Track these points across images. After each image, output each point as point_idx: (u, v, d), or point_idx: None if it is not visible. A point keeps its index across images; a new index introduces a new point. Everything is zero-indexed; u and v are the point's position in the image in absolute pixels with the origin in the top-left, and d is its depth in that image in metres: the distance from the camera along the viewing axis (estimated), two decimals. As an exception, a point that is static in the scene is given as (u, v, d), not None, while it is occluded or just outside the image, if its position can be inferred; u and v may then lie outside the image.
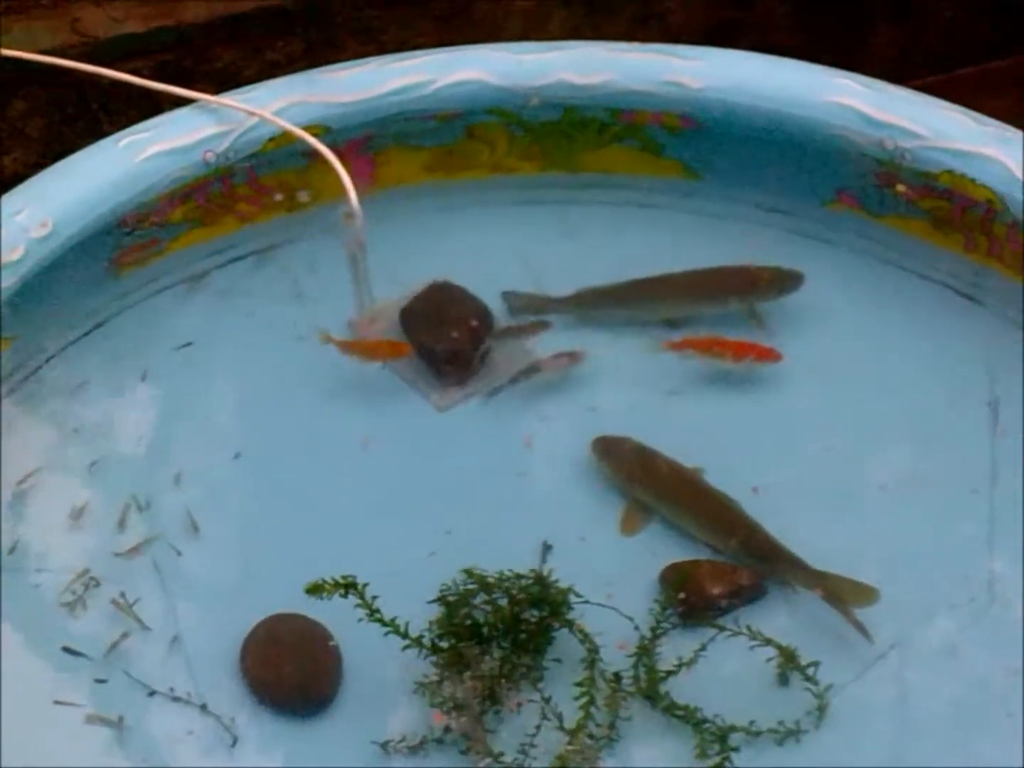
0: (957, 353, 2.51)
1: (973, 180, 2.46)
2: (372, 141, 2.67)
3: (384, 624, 2.02)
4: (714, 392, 2.46)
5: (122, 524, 2.27)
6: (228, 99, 2.56)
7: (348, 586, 2.00)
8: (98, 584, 2.19)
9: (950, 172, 2.47)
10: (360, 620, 2.01)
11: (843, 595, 2.13)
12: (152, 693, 2.08)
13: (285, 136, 2.54)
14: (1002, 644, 2.13)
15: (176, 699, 2.07)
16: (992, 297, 2.56)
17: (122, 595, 2.17)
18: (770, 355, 2.42)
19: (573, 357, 2.49)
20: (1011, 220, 2.46)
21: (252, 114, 2.53)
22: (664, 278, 2.57)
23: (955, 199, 2.51)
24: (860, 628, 2.12)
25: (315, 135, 2.53)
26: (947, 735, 2.04)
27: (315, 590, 2.01)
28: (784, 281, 2.54)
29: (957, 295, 2.59)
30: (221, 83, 2.90)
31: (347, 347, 2.47)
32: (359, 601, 2.00)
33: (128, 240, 2.53)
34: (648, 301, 2.58)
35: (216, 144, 2.52)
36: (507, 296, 2.60)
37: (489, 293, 2.56)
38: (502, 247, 2.68)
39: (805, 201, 2.68)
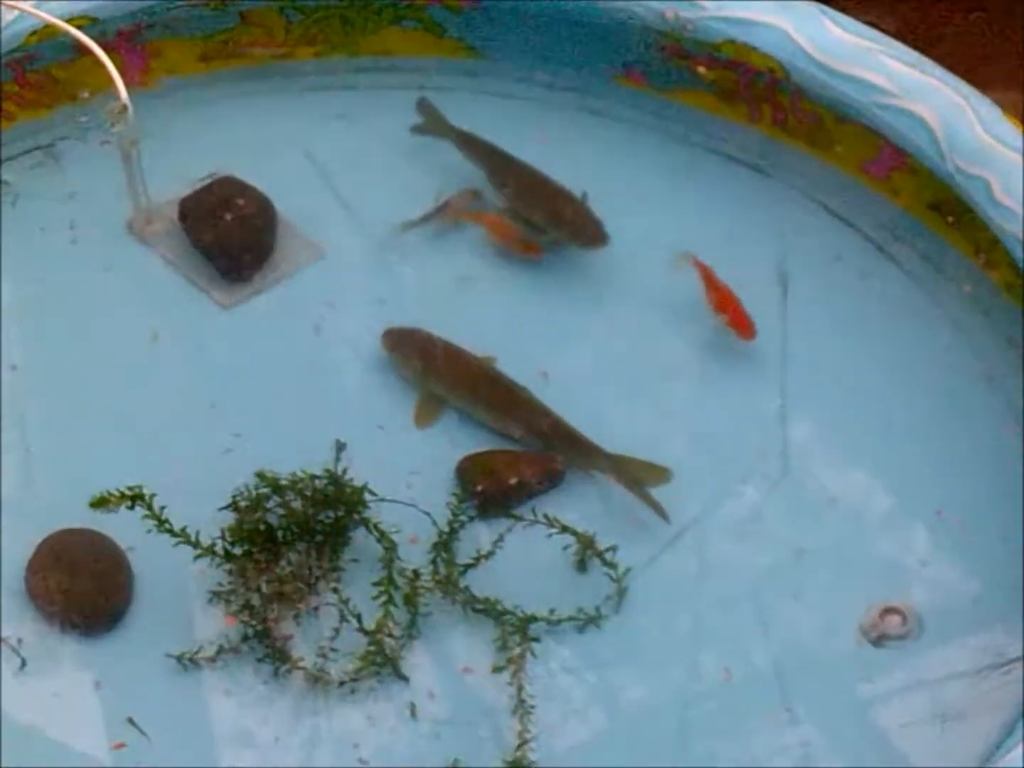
0: (748, 228, 2.50)
1: (755, 49, 2.43)
2: (143, 31, 2.57)
3: (174, 534, 1.97)
4: (503, 278, 2.42)
5: None
6: (-16, -9, 2.44)
7: (135, 497, 1.95)
8: None
9: (732, 42, 2.44)
10: (149, 531, 1.96)
11: (637, 477, 2.13)
12: (-65, 620, 2.01)
13: (48, 29, 2.42)
14: (795, 520, 2.15)
15: (-40, 624, 2.01)
16: (780, 169, 2.56)
17: None
18: (743, 329, 2.29)
19: (475, 194, 2.49)
20: (794, 88, 2.44)
21: (11, 7, 2.41)
22: (537, 182, 2.47)
23: (739, 69, 2.50)
24: (656, 508, 2.11)
25: (80, 27, 2.41)
26: (744, 614, 2.05)
27: (100, 503, 1.95)
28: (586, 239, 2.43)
29: (747, 168, 2.58)
30: (-22, -26, 2.76)
31: (487, 225, 2.45)
32: (147, 512, 1.95)
33: None
34: (510, 191, 2.48)
35: (-27, 40, 2.40)
36: (421, 104, 2.58)
37: (271, 185, 2.47)
38: (283, 137, 2.60)
39: (591, 78, 2.65)
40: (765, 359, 2.30)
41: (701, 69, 2.52)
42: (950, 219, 2.36)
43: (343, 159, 2.57)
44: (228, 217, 2.40)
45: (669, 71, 2.57)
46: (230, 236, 2.39)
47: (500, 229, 2.44)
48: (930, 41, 2.50)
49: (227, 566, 2.00)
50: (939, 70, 2.33)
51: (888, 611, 2.02)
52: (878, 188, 2.46)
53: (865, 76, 2.34)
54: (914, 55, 2.36)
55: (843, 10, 2.46)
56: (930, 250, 2.42)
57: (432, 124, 2.57)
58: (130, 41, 2.56)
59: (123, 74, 2.35)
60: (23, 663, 1.96)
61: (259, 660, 1.96)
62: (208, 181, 2.47)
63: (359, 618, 1.96)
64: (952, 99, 2.29)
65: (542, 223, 2.42)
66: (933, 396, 2.27)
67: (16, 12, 2.41)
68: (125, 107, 2.32)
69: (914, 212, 2.42)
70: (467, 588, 2.01)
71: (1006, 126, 2.26)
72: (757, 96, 2.52)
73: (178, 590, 2.03)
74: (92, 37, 2.38)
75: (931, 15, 3.00)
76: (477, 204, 2.50)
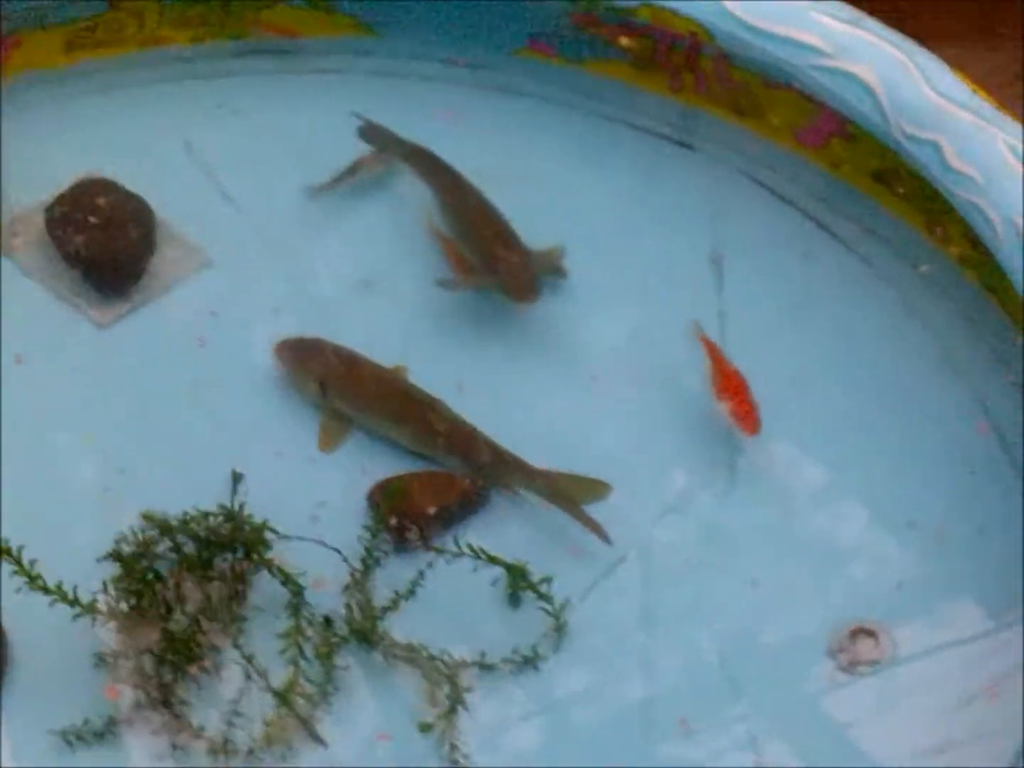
0: (675, 208, 2.30)
1: (674, 12, 2.22)
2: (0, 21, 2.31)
3: (48, 591, 1.73)
4: (409, 279, 2.20)
5: None
6: None
7: (-1, 552, 1.72)
8: None
9: (649, 5, 2.23)
10: (19, 590, 1.72)
11: (571, 494, 1.92)
12: None
13: None
14: (748, 536, 1.95)
15: None
16: (707, 143, 2.36)
17: None
18: (747, 422, 1.99)
19: (389, 160, 2.31)
20: (718, 53, 2.24)
21: None
22: (482, 218, 2.20)
23: (656, 35, 2.28)
24: (595, 529, 1.90)
25: (-77, 20, 2.19)
26: (698, 649, 1.86)
27: (-43, 561, 1.72)
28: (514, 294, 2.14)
29: (669, 143, 2.38)
30: None
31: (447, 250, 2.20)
32: (15, 567, 1.72)
33: None
34: (452, 221, 2.23)
35: None
36: (360, 118, 2.32)
37: (148, 185, 2.23)
38: (160, 131, 2.36)
39: (494, 52, 2.42)
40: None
41: (623, 40, 2.31)
42: (900, 191, 2.17)
43: (227, 153, 2.34)
44: (99, 224, 2.16)
45: (580, 41, 2.37)
46: (102, 245, 2.16)
47: (457, 257, 2.19)
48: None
49: (113, 624, 1.78)
50: (877, 25, 2.15)
51: (859, 632, 1.82)
52: (815, 159, 2.27)
53: (796, 36, 2.15)
54: (849, 10, 2.16)
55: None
56: (878, 226, 2.23)
57: (374, 137, 2.33)
58: (-15, 33, 2.32)
59: (-23, 69, 2.12)
60: None
61: (154, 732, 1.75)
62: (76, 185, 2.22)
63: (266, 676, 1.76)
64: (893, 56, 2.10)
65: (475, 264, 2.17)
66: (891, 388, 2.08)
67: None
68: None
69: (858, 184, 2.23)
70: (387, 634, 1.81)
71: (955, 82, 2.07)
72: (677, 64, 2.32)
73: (58, 655, 1.80)
74: (-62, 30, 2.17)
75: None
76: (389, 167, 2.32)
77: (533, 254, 2.17)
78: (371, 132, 2.32)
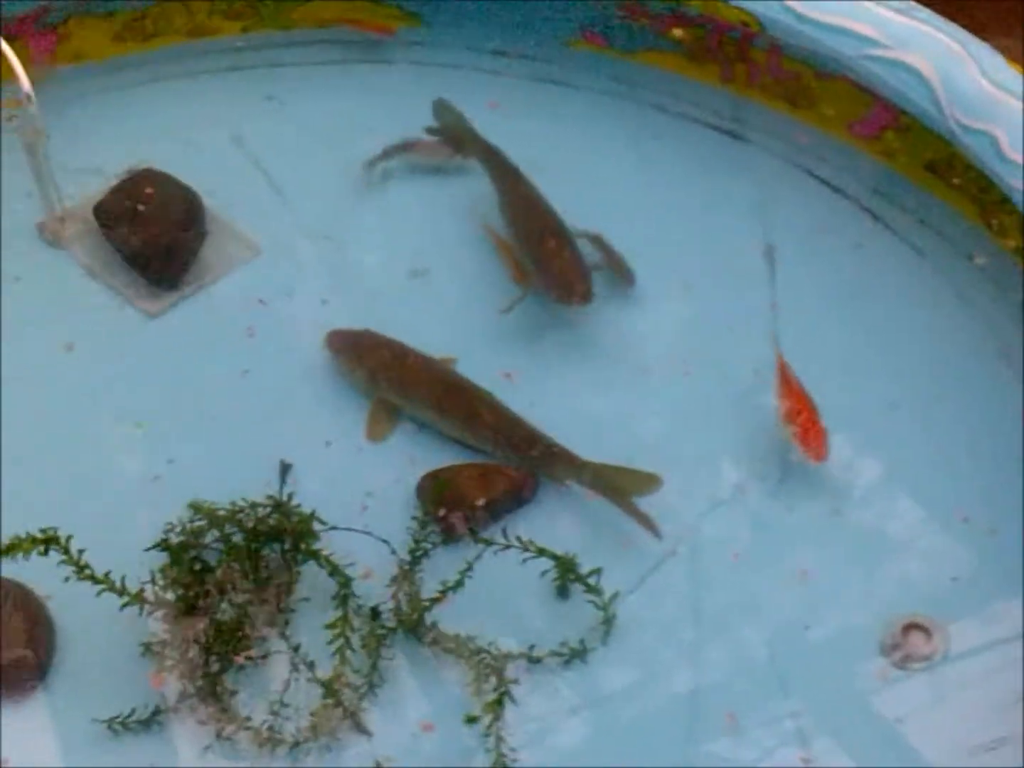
0: (727, 198, 2.28)
1: (725, 1, 2.21)
2: (50, 13, 2.34)
3: (96, 581, 1.72)
4: (459, 270, 2.19)
5: None
6: None
7: (48, 541, 1.70)
8: None
9: (699, -6, 2.22)
10: (68, 579, 1.71)
11: (621, 486, 1.89)
12: None
13: (-60, 14, 2.19)
14: (799, 529, 1.92)
15: None
16: (758, 133, 2.34)
17: None
18: (813, 448, 1.91)
19: (450, 152, 2.30)
20: (771, 43, 2.23)
21: None
22: (540, 219, 2.17)
23: (708, 25, 2.28)
24: (645, 522, 1.88)
25: (-26, 13, 2.20)
26: (748, 645, 1.82)
27: (10, 549, 1.70)
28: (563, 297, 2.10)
29: (721, 133, 2.37)
30: None
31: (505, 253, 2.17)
32: (64, 557, 1.71)
33: None
34: (509, 220, 2.20)
35: None
36: (438, 104, 2.32)
37: (197, 176, 2.23)
38: (209, 122, 2.38)
39: (546, 43, 2.42)
40: (754, 344, 2.06)
41: (676, 31, 2.30)
42: (955, 181, 2.14)
43: (276, 144, 2.35)
44: (149, 215, 2.16)
45: (632, 32, 2.36)
46: (152, 235, 2.16)
47: (514, 262, 2.16)
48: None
49: (160, 613, 1.76)
50: (931, 15, 2.12)
51: (911, 628, 1.80)
52: (869, 149, 2.25)
53: (851, 26, 2.14)
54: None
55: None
56: (932, 217, 2.21)
57: (452, 129, 2.32)
58: (35, 24, 2.33)
59: (27, 60, 2.15)
60: (-73, 735, 1.73)
61: (201, 722, 1.73)
62: (126, 175, 2.23)
63: (312, 666, 1.74)
64: (949, 47, 2.08)
65: (528, 265, 2.14)
66: (945, 381, 2.06)
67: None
68: (29, 97, 2.09)
69: (911, 175, 2.21)
70: (434, 625, 1.79)
71: (1011, 74, 2.04)
72: (729, 54, 2.30)
73: (105, 643, 1.80)
74: (-10, 20, 2.16)
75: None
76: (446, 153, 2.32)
77: (604, 255, 2.15)
78: (448, 123, 2.31)
